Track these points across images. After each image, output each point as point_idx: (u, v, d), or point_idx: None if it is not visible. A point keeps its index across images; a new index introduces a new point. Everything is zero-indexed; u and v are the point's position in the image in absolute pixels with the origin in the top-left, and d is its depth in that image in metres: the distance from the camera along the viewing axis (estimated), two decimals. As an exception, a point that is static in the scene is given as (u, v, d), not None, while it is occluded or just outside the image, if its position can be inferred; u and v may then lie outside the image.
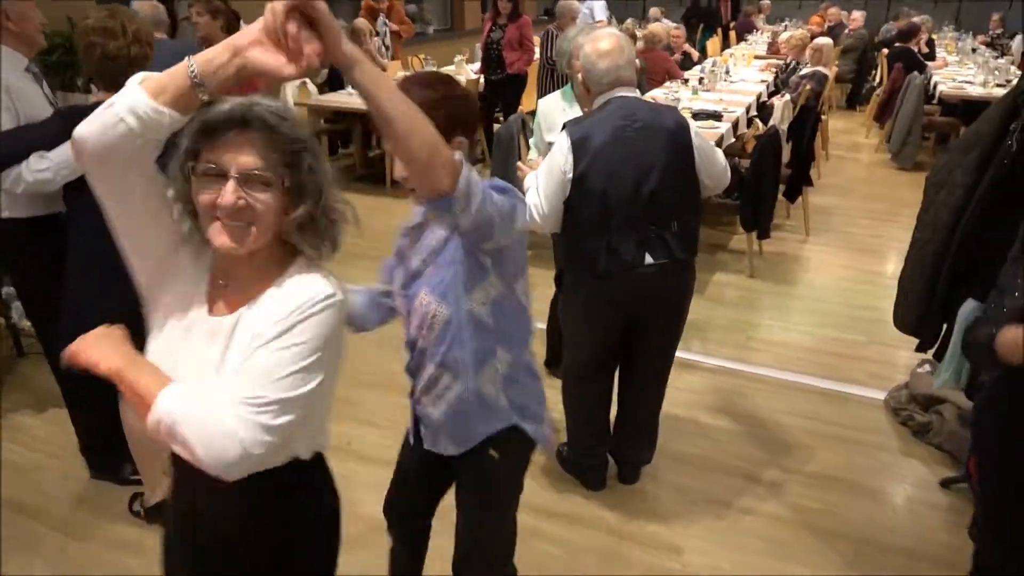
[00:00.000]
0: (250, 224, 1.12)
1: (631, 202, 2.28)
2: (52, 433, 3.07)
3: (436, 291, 1.51)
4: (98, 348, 1.12)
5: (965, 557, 2.46)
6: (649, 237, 2.30)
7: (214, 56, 1.02)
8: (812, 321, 4.11)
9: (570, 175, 2.26)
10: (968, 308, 2.27)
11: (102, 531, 2.56)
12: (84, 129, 1.04)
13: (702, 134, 2.47)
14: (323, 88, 6.85)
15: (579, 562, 2.43)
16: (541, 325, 3.65)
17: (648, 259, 2.30)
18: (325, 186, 1.16)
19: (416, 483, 1.84)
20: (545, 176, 2.31)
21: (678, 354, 3.19)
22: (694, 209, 2.42)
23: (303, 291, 1.14)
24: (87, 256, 2.27)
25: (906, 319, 2.53)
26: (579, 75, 2.52)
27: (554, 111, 2.96)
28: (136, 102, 1.02)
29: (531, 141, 3.02)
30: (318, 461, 1.33)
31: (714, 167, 2.43)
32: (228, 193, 1.09)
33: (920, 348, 2.56)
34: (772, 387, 3.45)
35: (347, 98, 6.31)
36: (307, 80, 6.70)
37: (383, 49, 7.98)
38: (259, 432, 1.06)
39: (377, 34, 7.83)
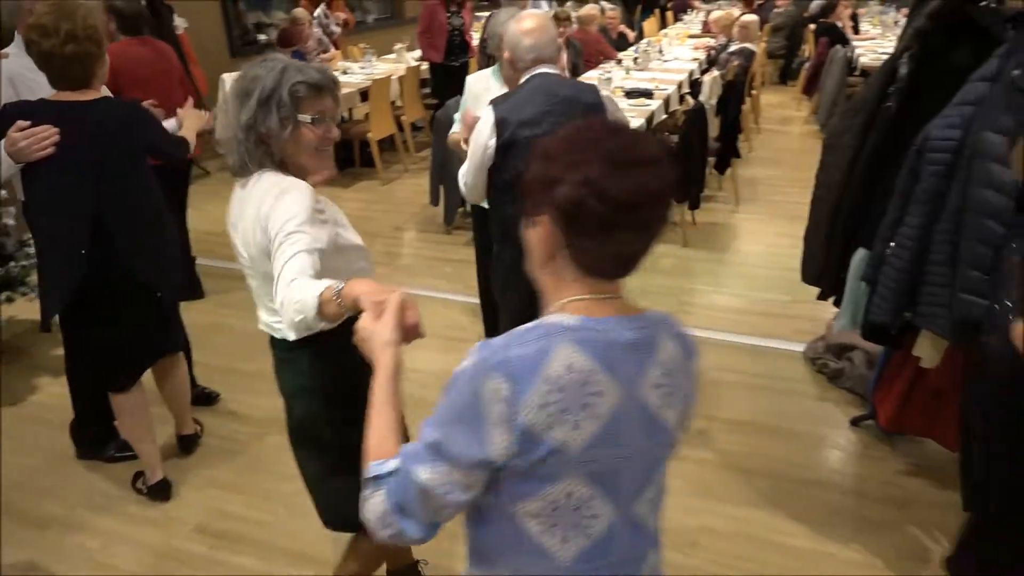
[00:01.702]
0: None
1: None
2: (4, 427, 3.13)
3: None
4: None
5: (870, 485, 2.72)
6: None
7: (360, 294, 1.22)
8: (741, 284, 4.34)
9: (492, 149, 2.40)
10: (859, 256, 2.51)
11: (54, 516, 2.64)
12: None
13: (620, 110, 2.64)
14: (262, 80, 6.84)
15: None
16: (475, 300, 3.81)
17: None
18: None
19: None
20: (471, 149, 2.46)
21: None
22: None
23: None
24: (40, 233, 2.48)
25: (808, 270, 2.75)
26: (507, 55, 2.69)
27: (481, 88, 3.10)
28: (310, 321, 1.35)
29: (455, 116, 3.14)
30: None
31: None
32: (335, 130, 1.64)
33: (821, 296, 2.79)
34: (703, 345, 3.57)
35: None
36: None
37: (324, 39, 8.00)
38: None
39: (318, 24, 7.85)
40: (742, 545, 2.44)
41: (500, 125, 2.41)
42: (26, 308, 3.90)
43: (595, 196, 0.96)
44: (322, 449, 1.77)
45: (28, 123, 2.23)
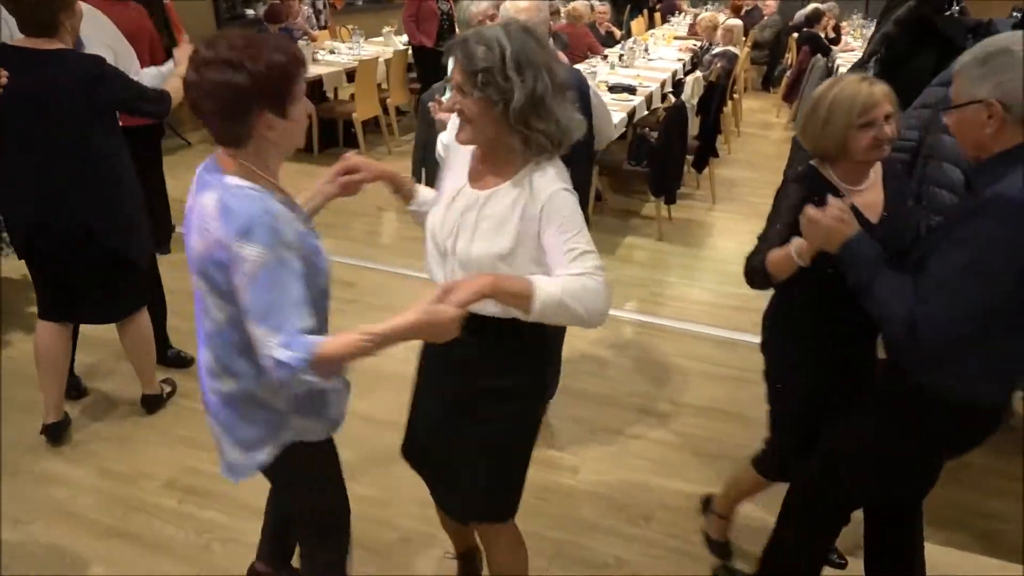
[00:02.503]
0: (467, 122, 1.51)
1: None
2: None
3: None
4: (466, 286, 1.37)
5: (821, 470, 2.83)
6: None
7: None
8: (713, 279, 4.46)
9: None
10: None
11: (24, 465, 2.68)
12: None
13: (599, 95, 2.74)
14: (249, 55, 6.82)
15: (484, 481, 2.68)
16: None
17: None
18: (525, 106, 1.45)
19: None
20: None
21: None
22: (587, 160, 2.68)
23: (545, 184, 1.52)
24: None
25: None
26: None
27: None
28: None
29: (446, 97, 3.18)
30: None
31: (608, 123, 2.72)
32: (448, 100, 1.53)
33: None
34: (671, 336, 3.78)
35: (273, 65, 6.33)
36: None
37: (313, 18, 7.99)
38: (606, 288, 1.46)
39: (309, 3, 7.83)
40: (695, 520, 2.54)
41: None
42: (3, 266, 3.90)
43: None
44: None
45: None
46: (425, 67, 6.95)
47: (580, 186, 2.66)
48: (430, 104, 2.80)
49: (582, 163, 2.68)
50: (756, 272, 1.89)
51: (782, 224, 1.84)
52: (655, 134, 5.23)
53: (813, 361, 1.97)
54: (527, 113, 1.45)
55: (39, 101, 2.37)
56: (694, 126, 5.54)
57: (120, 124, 2.65)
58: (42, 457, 2.71)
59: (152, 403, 2.98)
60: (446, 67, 7.78)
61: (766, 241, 1.87)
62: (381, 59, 6.69)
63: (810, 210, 1.66)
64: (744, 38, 8.19)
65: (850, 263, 1.63)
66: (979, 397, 1.62)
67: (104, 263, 2.61)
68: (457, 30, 3.54)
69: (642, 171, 5.12)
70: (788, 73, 8.63)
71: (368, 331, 1.32)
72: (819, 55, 7.60)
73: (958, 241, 1.49)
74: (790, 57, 9.83)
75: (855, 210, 1.78)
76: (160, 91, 2.67)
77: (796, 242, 1.72)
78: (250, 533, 2.40)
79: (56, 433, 2.77)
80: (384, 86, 6.92)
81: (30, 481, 2.60)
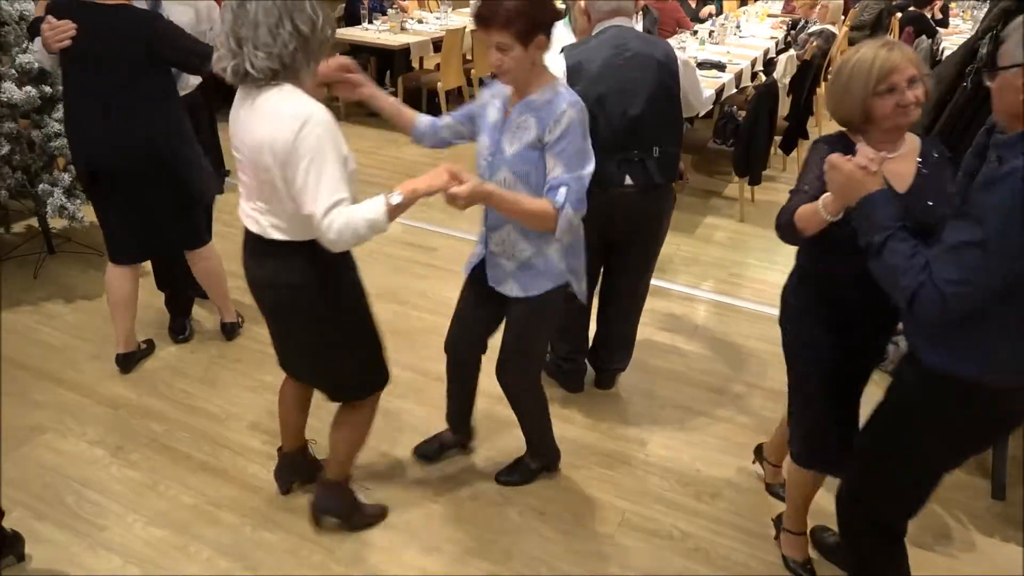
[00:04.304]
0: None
1: (616, 126, 2.49)
2: (81, 320, 3.37)
3: (519, 175, 2.00)
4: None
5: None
6: (631, 160, 2.52)
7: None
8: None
9: None
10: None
11: (127, 399, 2.87)
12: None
13: (689, 63, 2.67)
14: (339, 22, 6.98)
15: (553, 446, 2.72)
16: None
17: (628, 180, 2.53)
18: None
19: (474, 316, 2.39)
20: None
21: (663, 284, 3.32)
22: (675, 137, 2.63)
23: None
24: (65, 114, 2.79)
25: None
26: (581, 4, 2.74)
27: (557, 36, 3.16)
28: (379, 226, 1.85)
29: None
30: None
31: (698, 94, 2.65)
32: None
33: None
34: (747, 317, 3.71)
35: (362, 33, 6.46)
36: (325, 13, 6.83)
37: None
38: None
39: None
40: (762, 500, 2.52)
41: (570, 73, 2.46)
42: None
43: None
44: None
45: (56, 19, 2.54)
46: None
47: (669, 163, 2.64)
48: None
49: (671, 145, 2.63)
50: (784, 226, 1.86)
51: (813, 177, 1.80)
52: (743, 113, 5.10)
53: (829, 313, 2.00)
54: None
55: (100, 50, 2.59)
56: (785, 106, 5.37)
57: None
58: (143, 395, 2.90)
59: (230, 330, 3.26)
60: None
61: (797, 194, 1.85)
62: (467, 29, 6.72)
63: (833, 156, 1.59)
64: (844, 16, 7.85)
65: (865, 219, 1.53)
66: (986, 381, 1.51)
67: (165, 198, 2.82)
68: None
69: (727, 150, 5.01)
70: (888, 55, 8.20)
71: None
72: (923, 36, 7.20)
73: (972, 215, 1.40)
74: (892, 38, 9.35)
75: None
76: (210, 49, 2.85)
77: (824, 196, 1.67)
78: (328, 477, 2.52)
79: (127, 362, 3.02)
80: (469, 57, 6.95)
81: (134, 414, 2.80)
